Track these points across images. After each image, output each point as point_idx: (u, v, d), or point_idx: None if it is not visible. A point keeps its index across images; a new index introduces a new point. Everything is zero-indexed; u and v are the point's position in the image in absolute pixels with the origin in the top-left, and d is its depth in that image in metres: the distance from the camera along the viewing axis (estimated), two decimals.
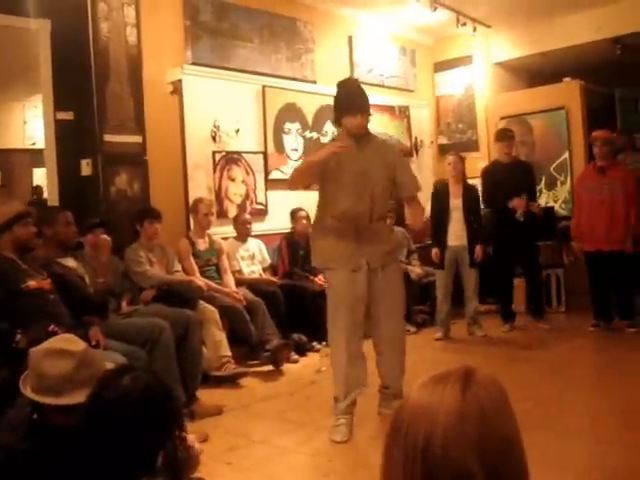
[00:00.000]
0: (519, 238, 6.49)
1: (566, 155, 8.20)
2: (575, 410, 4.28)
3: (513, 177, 6.55)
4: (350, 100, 3.97)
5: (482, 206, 6.83)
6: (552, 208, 8.01)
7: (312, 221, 4.17)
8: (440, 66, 9.21)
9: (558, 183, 8.23)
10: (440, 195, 6.66)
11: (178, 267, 5.46)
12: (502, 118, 8.68)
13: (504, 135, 6.88)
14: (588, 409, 4.29)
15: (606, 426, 3.87)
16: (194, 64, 6.19)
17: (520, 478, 0.99)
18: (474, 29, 8.30)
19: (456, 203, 6.48)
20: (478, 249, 6.41)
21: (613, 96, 9.31)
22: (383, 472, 1.01)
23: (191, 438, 1.88)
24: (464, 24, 8.12)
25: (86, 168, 5.46)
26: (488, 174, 6.94)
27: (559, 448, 3.53)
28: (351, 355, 3.88)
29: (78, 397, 1.97)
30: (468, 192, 6.58)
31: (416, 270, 7.17)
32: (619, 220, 6.16)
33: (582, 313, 6.71)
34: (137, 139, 5.66)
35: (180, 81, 6.07)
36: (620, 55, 8.46)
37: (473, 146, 8.88)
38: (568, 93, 8.28)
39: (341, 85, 4.13)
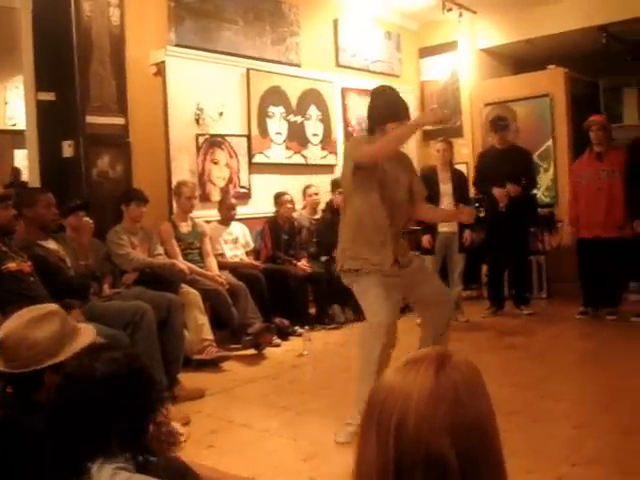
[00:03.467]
0: (509, 223, 6.52)
1: (550, 142, 8.21)
2: (555, 395, 4.32)
3: (507, 163, 6.53)
4: (397, 106, 3.85)
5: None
6: (534, 195, 8.03)
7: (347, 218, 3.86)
8: (425, 51, 9.19)
9: (541, 170, 8.24)
10: (429, 181, 6.63)
11: (160, 250, 5.43)
12: (487, 104, 8.68)
13: (496, 126, 6.85)
14: (567, 394, 4.33)
15: (584, 411, 3.91)
16: (178, 46, 6.14)
17: (493, 460, 0.99)
18: (460, 15, 8.30)
19: (445, 189, 6.49)
20: (467, 234, 6.43)
21: (597, 85, 9.35)
22: (357, 453, 1.01)
23: (173, 424, 1.88)
24: (450, 9, 8.11)
25: (68, 149, 5.40)
26: (482, 159, 6.96)
27: (538, 432, 3.56)
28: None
29: (72, 349, 2.07)
30: (457, 178, 6.60)
31: None
32: (617, 206, 6.13)
33: (563, 300, 6.77)
34: (120, 121, 5.62)
35: (163, 63, 6.02)
36: (605, 44, 8.48)
37: (458, 132, 8.87)
38: (553, 80, 8.29)
39: (382, 91, 4.02)
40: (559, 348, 5.55)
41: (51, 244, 4.23)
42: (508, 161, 6.55)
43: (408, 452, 0.93)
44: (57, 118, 5.40)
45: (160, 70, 6.05)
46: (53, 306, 2.28)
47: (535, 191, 7.72)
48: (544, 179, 8.27)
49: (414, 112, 8.99)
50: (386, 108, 3.82)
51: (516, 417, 3.72)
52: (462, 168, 7.71)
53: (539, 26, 8.35)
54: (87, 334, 2.25)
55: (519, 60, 9.60)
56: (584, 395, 4.22)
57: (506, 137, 6.81)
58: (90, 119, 5.41)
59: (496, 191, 6.52)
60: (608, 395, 4.15)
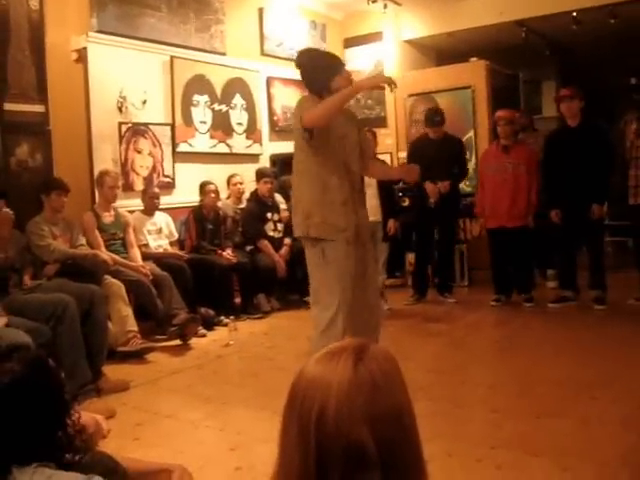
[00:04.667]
0: (438, 215, 6.66)
1: (471, 133, 8.39)
2: (474, 380, 4.46)
3: (441, 153, 6.58)
4: (332, 61, 3.79)
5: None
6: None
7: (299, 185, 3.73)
8: (350, 42, 9.25)
9: None
10: None
11: (83, 241, 5.33)
12: (410, 95, 8.80)
13: (432, 121, 6.80)
14: (486, 379, 4.45)
15: (501, 395, 4.03)
16: (99, 32, 6.02)
17: (411, 447, 1.02)
18: (385, 6, 8.39)
19: (370, 179, 6.54)
20: (391, 223, 6.51)
21: (517, 77, 9.60)
22: (280, 446, 1.04)
23: (97, 417, 1.88)
24: (375, 1, 8.18)
25: None
26: (415, 148, 6.94)
27: (457, 416, 3.68)
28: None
29: None
30: None
31: None
32: (522, 197, 6.34)
33: (484, 287, 6.93)
34: (39, 108, 5.48)
35: (85, 49, 5.91)
36: (525, 38, 8.72)
37: (381, 122, 8.98)
38: (474, 73, 8.46)
39: (308, 52, 3.93)
40: (479, 335, 5.71)
41: None
42: (441, 151, 6.60)
43: (329, 442, 0.96)
44: None
45: (81, 56, 5.93)
46: None
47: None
48: None
49: None
50: (322, 67, 3.73)
51: (438, 402, 3.82)
52: (386, 158, 7.83)
53: (460, 19, 8.51)
54: None
55: (442, 52, 9.77)
56: (501, 380, 4.36)
57: (440, 131, 6.86)
58: (8, 106, 5.26)
59: (428, 186, 6.55)
60: (524, 380, 4.29)
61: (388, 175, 5.10)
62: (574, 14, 8.06)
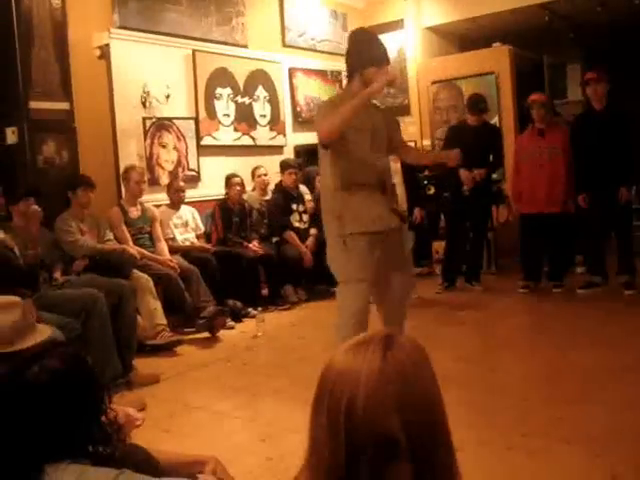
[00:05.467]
0: (472, 204, 6.53)
1: (496, 119, 8.31)
2: (503, 368, 4.44)
3: (479, 141, 6.42)
4: (376, 51, 3.66)
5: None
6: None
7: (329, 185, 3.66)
8: (372, 30, 9.18)
9: None
10: None
11: (110, 236, 5.38)
12: (433, 82, 8.76)
13: (476, 108, 6.67)
14: (516, 367, 4.44)
15: (532, 382, 4.02)
16: (121, 28, 6.05)
17: (440, 436, 1.02)
18: None
19: (396, 167, 6.50)
20: (417, 212, 6.47)
21: (541, 61, 9.49)
22: (310, 437, 1.04)
23: (128, 409, 1.89)
24: None
25: (11, 136, 5.31)
26: (453, 133, 6.79)
27: (488, 405, 3.66)
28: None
29: (28, 341, 2.14)
30: None
31: None
32: (559, 182, 6.23)
33: (511, 274, 6.88)
34: (64, 106, 5.53)
35: (107, 45, 5.94)
36: (548, 21, 8.60)
37: (405, 110, 8.94)
38: (498, 58, 8.39)
39: (359, 33, 3.88)
40: (508, 322, 5.67)
41: None
42: (479, 138, 6.44)
43: (358, 432, 0.97)
44: None
45: (104, 53, 5.97)
46: (16, 298, 2.32)
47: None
48: None
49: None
50: (363, 52, 3.65)
51: (469, 390, 3.81)
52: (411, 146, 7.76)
53: (482, 5, 8.41)
54: (43, 332, 2.26)
55: (464, 38, 9.68)
56: (531, 368, 4.34)
57: (482, 119, 6.73)
58: (33, 104, 5.31)
59: (463, 173, 6.42)
60: (554, 367, 4.26)
61: (425, 159, 5.04)
62: None
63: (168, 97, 6.44)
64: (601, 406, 3.47)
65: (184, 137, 6.64)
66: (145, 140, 6.24)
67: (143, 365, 4.57)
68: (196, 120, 6.77)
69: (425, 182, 7.53)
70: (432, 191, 7.44)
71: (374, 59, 3.62)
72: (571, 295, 6.22)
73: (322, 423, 1.01)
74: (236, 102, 7.24)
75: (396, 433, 0.95)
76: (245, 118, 7.36)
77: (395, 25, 9.01)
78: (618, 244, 6.14)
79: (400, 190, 6.39)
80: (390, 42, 8.99)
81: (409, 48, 9.02)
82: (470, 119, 6.70)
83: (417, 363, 1.03)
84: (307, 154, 7.98)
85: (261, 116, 7.57)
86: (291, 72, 8.01)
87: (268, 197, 7.06)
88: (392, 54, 8.91)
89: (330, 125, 3.47)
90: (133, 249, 5.39)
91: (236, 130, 7.25)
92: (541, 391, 3.83)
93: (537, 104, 6.35)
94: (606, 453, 2.90)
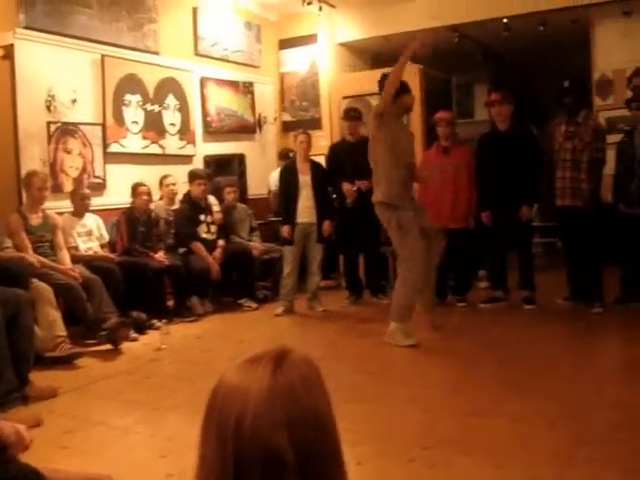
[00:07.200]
0: (357, 216, 6.60)
1: None
2: (404, 381, 4.48)
3: (357, 156, 6.49)
4: (405, 85, 5.51)
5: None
6: None
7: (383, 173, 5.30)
8: (285, 43, 9.24)
9: None
10: (289, 172, 6.70)
11: (9, 243, 5.19)
12: (345, 97, 8.85)
13: (348, 115, 7.01)
14: (416, 380, 4.47)
15: (432, 395, 4.08)
16: (27, 28, 5.86)
17: (330, 453, 1.02)
18: (320, 8, 8.42)
19: (305, 180, 6.55)
20: (326, 225, 6.52)
21: (450, 81, 9.75)
22: (199, 454, 1.02)
23: (19, 426, 1.81)
24: (310, 3, 8.20)
25: None
26: (332, 151, 7.06)
27: (388, 418, 3.69)
28: None
29: None
30: (315, 169, 6.68)
31: (258, 247, 7.23)
32: (462, 198, 6.41)
33: None
34: None
35: (12, 46, 5.75)
36: (458, 43, 8.84)
37: (316, 124, 8.99)
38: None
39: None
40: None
41: None
42: (358, 154, 6.50)
43: (247, 450, 0.95)
44: None
45: (8, 53, 5.77)
46: None
47: None
48: None
49: (272, 103, 9.04)
50: (405, 83, 5.49)
51: (369, 403, 3.85)
52: (320, 160, 7.81)
53: (394, 24, 8.56)
54: None
55: (376, 55, 9.84)
56: (432, 380, 4.40)
57: (357, 129, 6.92)
58: None
59: (344, 186, 6.64)
60: (454, 380, 4.35)
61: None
62: (505, 20, 8.22)
63: (74, 101, 6.27)
64: (501, 418, 3.55)
65: (90, 143, 6.48)
66: (49, 145, 6.05)
67: (41, 378, 4.40)
68: (103, 126, 6.62)
69: (334, 195, 7.57)
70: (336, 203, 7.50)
71: (406, 90, 5.55)
72: (473, 309, 6.37)
73: (211, 440, 0.99)
74: (145, 109, 7.12)
75: (284, 449, 0.94)
76: (154, 126, 7.24)
77: (309, 39, 9.08)
78: (519, 260, 6.35)
79: (309, 203, 6.45)
80: (303, 56, 9.10)
81: (322, 62, 9.10)
82: (348, 133, 7.01)
83: (307, 379, 1.02)
84: (217, 164, 7.92)
85: (171, 125, 7.46)
86: (202, 81, 7.94)
87: (176, 207, 6.96)
88: (304, 68, 9.03)
89: (389, 85, 5.25)
90: (33, 257, 5.21)
91: (144, 138, 7.12)
92: (441, 403, 3.90)
93: (443, 122, 6.54)
94: (506, 464, 2.96)
